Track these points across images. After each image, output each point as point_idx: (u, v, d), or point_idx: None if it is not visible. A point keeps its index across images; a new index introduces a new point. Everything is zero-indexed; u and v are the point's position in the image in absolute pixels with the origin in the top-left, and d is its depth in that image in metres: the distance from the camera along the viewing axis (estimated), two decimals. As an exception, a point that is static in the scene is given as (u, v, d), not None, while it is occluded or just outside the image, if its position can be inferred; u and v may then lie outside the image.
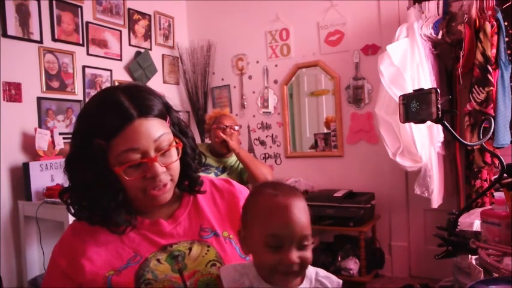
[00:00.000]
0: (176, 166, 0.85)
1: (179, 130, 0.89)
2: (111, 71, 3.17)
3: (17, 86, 2.54)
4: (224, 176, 2.33)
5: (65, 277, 0.81)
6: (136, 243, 0.83)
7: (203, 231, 0.88)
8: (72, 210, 0.86)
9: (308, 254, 0.73)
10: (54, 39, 2.77)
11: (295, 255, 0.71)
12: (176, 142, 0.85)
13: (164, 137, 0.81)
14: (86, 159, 0.80)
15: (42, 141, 2.53)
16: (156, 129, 0.80)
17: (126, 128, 0.77)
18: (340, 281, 0.81)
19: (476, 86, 2.35)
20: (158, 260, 0.81)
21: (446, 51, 2.73)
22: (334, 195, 2.99)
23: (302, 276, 0.76)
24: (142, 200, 0.84)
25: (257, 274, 0.75)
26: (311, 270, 0.79)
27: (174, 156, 0.84)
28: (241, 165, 2.32)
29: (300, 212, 0.74)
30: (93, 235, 0.83)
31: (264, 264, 0.73)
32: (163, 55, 3.69)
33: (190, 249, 0.84)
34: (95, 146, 0.78)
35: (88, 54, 3.00)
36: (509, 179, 0.96)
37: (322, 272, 0.80)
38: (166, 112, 0.85)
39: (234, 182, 1.01)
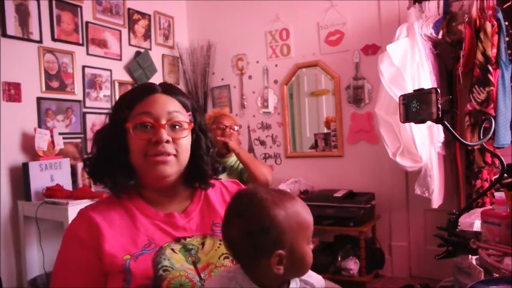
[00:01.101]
0: (184, 144, 0.90)
1: (199, 128, 0.96)
2: (111, 71, 3.17)
3: (17, 86, 2.54)
4: (224, 176, 2.33)
5: (85, 247, 0.81)
6: (150, 231, 0.86)
7: (215, 225, 0.92)
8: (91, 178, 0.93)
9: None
10: (53, 39, 2.77)
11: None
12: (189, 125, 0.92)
13: (178, 114, 0.89)
14: (110, 127, 0.91)
15: (41, 141, 2.53)
16: (173, 106, 0.90)
17: (148, 96, 0.89)
18: (320, 277, 0.82)
19: (476, 86, 2.34)
20: (173, 250, 0.84)
21: (446, 51, 2.72)
22: (334, 195, 2.99)
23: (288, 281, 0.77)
24: (143, 168, 0.87)
25: (244, 275, 0.74)
26: None
27: (185, 136, 0.90)
28: (241, 165, 2.32)
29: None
30: (107, 219, 0.85)
31: (310, 257, 0.75)
32: (163, 55, 3.69)
33: (203, 243, 0.87)
34: (118, 115, 0.89)
35: (88, 54, 3.00)
36: (510, 179, 0.95)
37: None
38: (190, 108, 0.95)
39: (242, 185, 1.06)
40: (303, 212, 0.75)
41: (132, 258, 0.80)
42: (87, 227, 0.83)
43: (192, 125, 0.92)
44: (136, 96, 0.90)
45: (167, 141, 0.86)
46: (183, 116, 0.90)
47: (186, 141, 0.90)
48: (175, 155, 0.87)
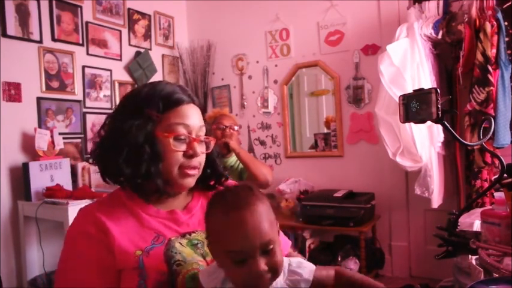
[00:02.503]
0: (204, 158, 0.93)
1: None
2: (111, 71, 3.17)
3: (17, 86, 2.54)
4: (224, 176, 2.32)
5: (94, 241, 0.81)
6: (156, 226, 0.87)
7: None
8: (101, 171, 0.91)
9: (276, 258, 0.72)
10: (54, 39, 2.77)
11: (262, 264, 0.70)
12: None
13: (204, 128, 0.93)
14: (136, 126, 0.85)
15: (41, 141, 2.53)
16: (200, 119, 0.92)
17: (182, 105, 0.89)
18: (313, 267, 0.80)
19: (476, 86, 2.34)
20: (180, 243, 0.85)
21: (446, 51, 2.72)
22: (334, 195, 2.99)
23: (275, 277, 0.75)
24: (173, 176, 0.87)
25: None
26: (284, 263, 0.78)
27: (204, 149, 0.93)
28: (241, 165, 2.32)
29: (256, 220, 0.72)
30: (112, 217, 0.84)
31: (235, 281, 0.73)
32: (163, 55, 3.69)
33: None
34: (146, 115, 0.85)
35: (88, 54, 3.00)
36: (510, 179, 0.95)
37: (295, 263, 0.80)
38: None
39: None
40: (232, 232, 0.71)
41: (144, 254, 0.81)
42: (93, 223, 0.83)
43: (214, 139, 0.96)
44: (171, 102, 0.88)
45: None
46: (205, 128, 0.95)
47: (204, 155, 0.94)
48: (199, 168, 0.91)
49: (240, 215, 0.72)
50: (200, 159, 0.91)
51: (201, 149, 0.91)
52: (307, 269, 0.79)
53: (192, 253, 0.84)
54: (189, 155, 0.87)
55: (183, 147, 0.88)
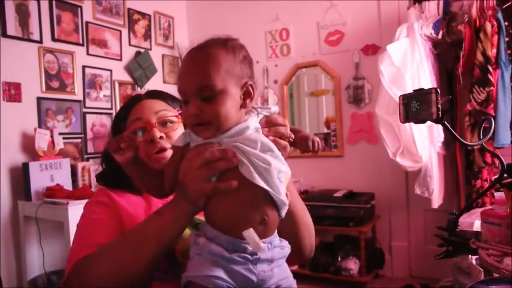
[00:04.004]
0: (175, 136, 0.93)
1: None
2: (111, 71, 3.17)
3: (17, 86, 2.54)
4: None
5: (109, 208, 0.89)
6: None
7: None
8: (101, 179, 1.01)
9: (215, 107, 0.69)
10: (54, 39, 2.77)
11: (193, 107, 0.70)
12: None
13: (166, 112, 0.97)
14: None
15: (42, 141, 2.53)
16: (159, 106, 0.97)
17: (136, 105, 0.98)
18: (276, 108, 0.81)
19: (476, 86, 2.34)
20: None
21: (446, 51, 2.72)
22: (334, 195, 2.99)
23: (217, 128, 0.71)
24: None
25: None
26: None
27: (177, 129, 0.97)
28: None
29: (200, 62, 0.71)
30: (123, 197, 0.93)
31: (182, 119, 0.76)
32: (163, 55, 3.69)
33: None
34: (119, 128, 0.98)
35: (88, 54, 3.00)
36: (510, 179, 0.95)
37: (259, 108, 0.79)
38: (178, 105, 1.01)
39: None
40: (179, 70, 0.74)
41: None
42: (106, 196, 0.92)
43: (179, 116, 0.97)
44: (126, 107, 0.99)
45: (161, 137, 0.93)
46: (171, 113, 0.98)
47: (178, 133, 0.92)
48: (167, 149, 0.93)
49: (188, 55, 0.74)
50: (166, 141, 0.93)
51: (165, 130, 0.95)
52: (272, 109, 0.80)
53: (188, 232, 0.86)
54: (149, 140, 0.92)
55: (143, 138, 0.94)
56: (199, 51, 0.73)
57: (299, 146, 0.83)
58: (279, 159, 0.73)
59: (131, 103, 0.99)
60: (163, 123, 0.95)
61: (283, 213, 0.73)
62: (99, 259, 0.75)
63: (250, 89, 0.75)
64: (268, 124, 0.78)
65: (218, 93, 0.69)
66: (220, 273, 0.66)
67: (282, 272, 0.72)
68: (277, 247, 0.72)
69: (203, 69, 0.70)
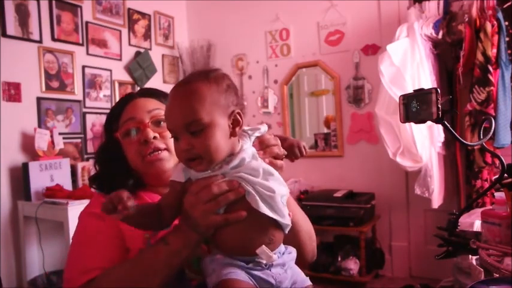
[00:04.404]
0: (169, 136, 0.93)
1: None
2: (110, 71, 3.17)
3: (17, 86, 2.54)
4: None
5: (101, 218, 0.86)
6: None
7: None
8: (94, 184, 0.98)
9: (205, 141, 0.70)
10: (53, 39, 2.77)
11: (183, 143, 0.71)
12: None
13: (159, 111, 0.94)
14: (106, 142, 0.98)
15: (41, 141, 2.53)
16: (152, 105, 0.95)
17: (128, 104, 0.96)
18: (266, 127, 0.83)
19: (476, 86, 2.34)
20: None
21: (446, 51, 2.72)
22: (334, 195, 2.99)
23: (209, 161, 0.72)
24: (143, 169, 0.92)
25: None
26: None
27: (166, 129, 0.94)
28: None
29: (185, 98, 0.71)
30: None
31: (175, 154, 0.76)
32: (163, 55, 3.69)
33: None
34: (110, 129, 0.96)
35: (88, 54, 3.00)
36: (510, 179, 0.95)
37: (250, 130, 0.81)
38: None
39: None
40: (167, 104, 0.74)
41: (152, 237, 0.85)
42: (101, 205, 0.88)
43: None
44: (119, 107, 0.97)
45: (155, 138, 0.91)
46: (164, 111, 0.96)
47: None
48: (167, 149, 0.92)
49: (173, 91, 0.75)
50: (160, 141, 0.92)
51: (159, 130, 0.93)
52: (262, 129, 0.82)
53: None
54: (143, 141, 0.91)
55: (136, 138, 0.92)
56: (183, 87, 0.74)
57: (288, 155, 0.88)
58: (279, 181, 0.76)
59: (124, 102, 0.97)
60: (157, 122, 0.93)
61: (287, 231, 0.77)
62: None
63: (238, 116, 0.75)
64: (262, 146, 0.80)
65: (206, 127, 0.70)
66: (243, 274, 0.70)
67: (294, 272, 0.77)
68: (285, 253, 0.77)
69: (188, 105, 0.71)
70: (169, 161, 0.92)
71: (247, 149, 0.76)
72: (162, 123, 0.93)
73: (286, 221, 0.75)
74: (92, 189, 0.99)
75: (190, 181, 0.75)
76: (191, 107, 0.70)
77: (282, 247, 0.77)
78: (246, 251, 0.72)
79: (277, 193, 0.73)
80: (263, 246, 0.71)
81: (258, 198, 0.71)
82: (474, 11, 2.41)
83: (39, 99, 2.66)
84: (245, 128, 0.80)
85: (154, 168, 0.91)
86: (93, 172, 1.01)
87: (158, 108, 0.95)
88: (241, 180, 0.72)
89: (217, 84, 0.74)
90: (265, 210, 0.71)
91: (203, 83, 0.72)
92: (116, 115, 0.96)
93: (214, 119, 0.71)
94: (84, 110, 2.97)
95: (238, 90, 0.80)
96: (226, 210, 0.73)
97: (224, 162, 0.73)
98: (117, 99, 3.17)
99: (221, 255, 0.73)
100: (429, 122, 0.84)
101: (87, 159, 2.94)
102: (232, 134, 0.74)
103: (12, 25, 2.52)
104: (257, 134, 0.81)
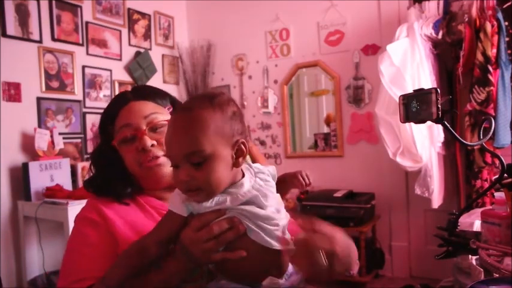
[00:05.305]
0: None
1: None
2: (110, 71, 3.17)
3: (17, 86, 2.54)
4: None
5: (99, 228, 0.85)
6: (158, 218, 0.86)
7: None
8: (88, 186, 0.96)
9: (206, 174, 0.67)
10: (53, 39, 2.77)
11: (182, 174, 0.67)
12: None
13: (156, 115, 0.91)
14: (101, 146, 0.95)
15: (41, 141, 2.53)
16: (148, 109, 0.91)
17: (123, 108, 0.91)
18: (274, 169, 0.81)
19: (476, 86, 2.34)
20: None
21: (446, 51, 2.72)
22: (334, 195, 2.99)
23: (208, 193, 0.70)
24: (141, 175, 0.91)
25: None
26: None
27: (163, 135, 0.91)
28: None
29: (187, 126, 0.68)
30: (113, 208, 0.89)
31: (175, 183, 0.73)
32: (163, 55, 3.69)
33: None
34: (107, 131, 0.93)
35: (88, 54, 3.00)
36: (510, 179, 0.95)
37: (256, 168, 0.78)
38: (169, 101, 0.96)
39: None
40: (167, 131, 0.72)
41: None
42: (97, 214, 0.87)
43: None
44: (113, 111, 0.92)
45: (152, 145, 0.88)
46: (162, 115, 0.92)
47: None
48: (164, 154, 0.89)
49: (174, 117, 0.71)
50: (158, 148, 0.89)
51: (157, 136, 0.89)
52: (270, 169, 0.80)
53: None
54: (141, 149, 0.88)
55: (133, 146, 0.89)
56: (185, 114, 0.69)
57: (295, 187, 0.90)
58: (281, 212, 0.74)
59: (118, 105, 0.92)
60: (154, 128, 0.90)
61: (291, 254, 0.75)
62: None
63: (242, 146, 0.71)
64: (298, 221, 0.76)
65: (208, 158, 0.67)
66: None
67: None
68: (293, 274, 0.75)
69: (190, 134, 0.67)
70: (167, 165, 0.89)
71: (246, 182, 0.73)
72: (159, 129, 0.90)
73: (291, 247, 0.71)
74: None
75: (192, 214, 0.72)
76: (193, 136, 0.66)
77: (289, 267, 0.75)
78: (252, 280, 0.70)
79: (281, 225, 0.71)
80: (269, 278, 0.70)
81: (263, 235, 0.69)
82: (474, 11, 2.41)
83: (39, 99, 2.66)
84: (252, 165, 0.78)
85: (153, 173, 0.90)
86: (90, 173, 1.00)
87: (155, 112, 0.91)
88: (243, 217, 0.69)
89: (221, 111, 0.69)
90: (273, 245, 0.69)
91: (207, 110, 0.68)
92: (111, 118, 0.92)
93: (217, 150, 0.67)
94: (84, 110, 2.97)
95: (244, 116, 0.76)
96: (228, 244, 0.71)
97: (225, 193, 0.71)
98: (117, 99, 3.16)
99: (226, 280, 0.72)
100: (429, 122, 0.84)
101: (87, 159, 2.94)
102: (235, 164, 0.71)
103: (12, 25, 2.52)
104: (263, 176, 0.77)
